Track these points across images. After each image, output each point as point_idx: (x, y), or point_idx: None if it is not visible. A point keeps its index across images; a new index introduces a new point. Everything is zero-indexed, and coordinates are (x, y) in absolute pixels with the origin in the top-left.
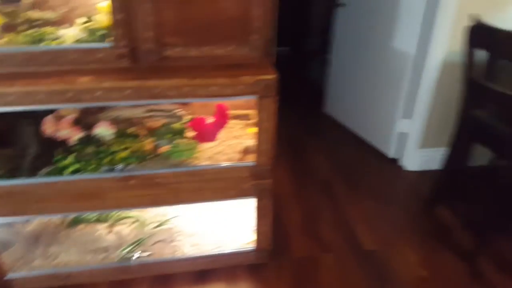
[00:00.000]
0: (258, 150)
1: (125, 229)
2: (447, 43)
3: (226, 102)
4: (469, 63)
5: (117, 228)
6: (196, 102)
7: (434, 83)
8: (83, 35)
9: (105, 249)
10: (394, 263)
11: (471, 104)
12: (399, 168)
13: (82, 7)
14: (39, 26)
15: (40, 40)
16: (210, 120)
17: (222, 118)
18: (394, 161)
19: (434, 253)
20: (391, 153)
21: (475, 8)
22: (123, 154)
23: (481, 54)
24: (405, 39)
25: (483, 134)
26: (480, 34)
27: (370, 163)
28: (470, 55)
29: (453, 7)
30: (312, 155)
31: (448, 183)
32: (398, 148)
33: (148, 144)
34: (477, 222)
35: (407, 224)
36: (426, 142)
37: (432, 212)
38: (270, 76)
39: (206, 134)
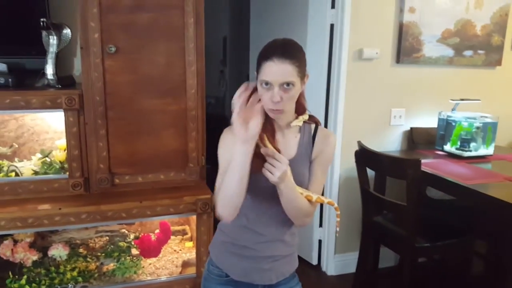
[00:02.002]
0: (198, 262)
1: None
2: (344, 162)
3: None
4: (362, 178)
5: None
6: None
7: (336, 195)
8: (40, 168)
9: None
10: None
11: (371, 212)
12: (323, 273)
13: (30, 143)
14: None
15: None
16: (154, 237)
17: (165, 235)
18: (317, 267)
19: None
20: (314, 260)
21: (358, 135)
22: (73, 273)
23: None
24: None
25: (385, 237)
26: (366, 157)
27: (298, 270)
28: (361, 172)
29: (340, 135)
30: None
31: (363, 284)
32: (319, 255)
33: (96, 263)
34: None
35: None
36: (340, 248)
37: None
38: (207, 196)
39: (151, 250)
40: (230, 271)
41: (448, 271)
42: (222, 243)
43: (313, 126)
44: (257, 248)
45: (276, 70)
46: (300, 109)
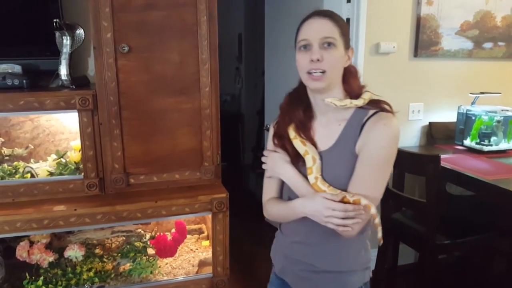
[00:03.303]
0: (214, 261)
1: None
2: None
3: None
4: None
5: None
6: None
7: None
8: (55, 168)
9: None
10: None
11: (390, 209)
12: None
13: (45, 144)
14: (10, 161)
15: (15, 173)
16: (170, 236)
17: (181, 234)
18: None
19: None
20: None
21: None
22: (90, 274)
23: None
24: None
25: (404, 235)
26: None
27: None
28: None
29: None
30: (260, 265)
31: (382, 282)
32: None
33: (112, 263)
34: None
35: None
36: None
37: None
38: (222, 195)
39: (167, 250)
40: (274, 263)
41: (469, 268)
42: (278, 231)
43: (371, 112)
44: (291, 247)
45: (316, 26)
46: (351, 91)
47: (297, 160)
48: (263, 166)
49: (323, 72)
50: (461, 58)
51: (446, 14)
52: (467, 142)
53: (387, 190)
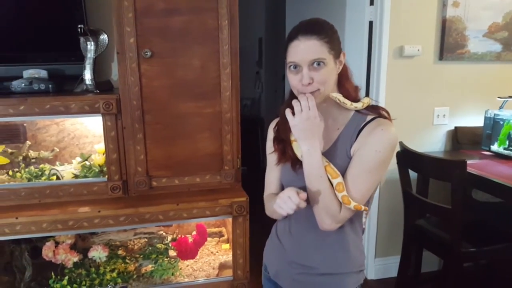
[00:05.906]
0: (234, 264)
1: None
2: None
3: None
4: (404, 180)
5: None
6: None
7: (377, 197)
8: (80, 171)
9: None
10: None
11: (413, 215)
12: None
13: (70, 147)
14: (37, 163)
15: (41, 175)
16: (191, 239)
17: (202, 237)
18: None
19: None
20: None
21: (400, 135)
22: (113, 274)
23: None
24: None
25: (428, 241)
26: (408, 158)
27: None
28: (403, 174)
29: None
30: None
31: None
32: None
33: (135, 264)
34: None
35: None
36: (381, 252)
37: None
38: (242, 198)
39: (188, 252)
40: (268, 266)
41: (495, 277)
42: (272, 232)
43: (369, 117)
44: (287, 250)
45: (303, 48)
46: (347, 95)
47: (295, 163)
48: (304, 106)
49: (317, 90)
50: (488, 61)
51: (473, 15)
52: (495, 147)
53: (411, 195)
